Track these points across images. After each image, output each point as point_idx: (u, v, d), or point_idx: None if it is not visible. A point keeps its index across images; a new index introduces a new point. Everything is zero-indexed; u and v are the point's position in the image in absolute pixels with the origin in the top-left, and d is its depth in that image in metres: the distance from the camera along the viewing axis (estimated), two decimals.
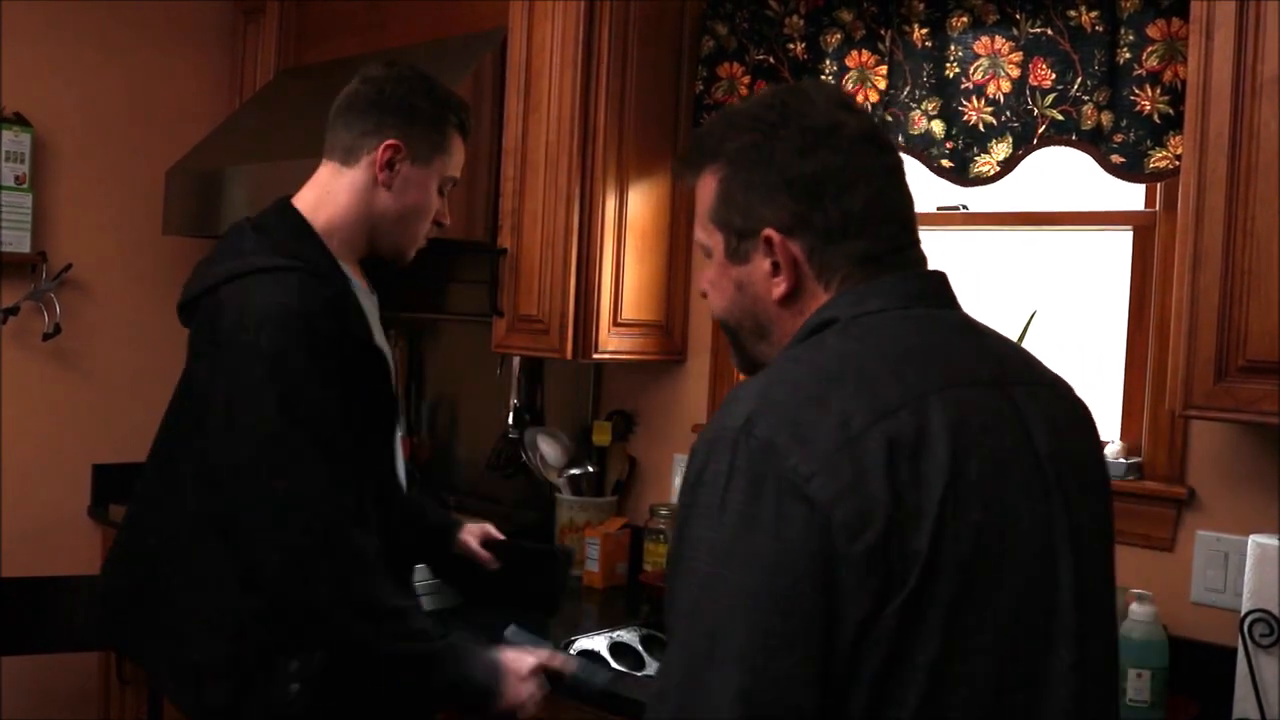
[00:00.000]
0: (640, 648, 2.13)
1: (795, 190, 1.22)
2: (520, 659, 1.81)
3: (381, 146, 1.85)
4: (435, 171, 1.91)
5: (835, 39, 2.48)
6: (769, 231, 1.22)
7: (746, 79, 2.64)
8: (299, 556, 1.69)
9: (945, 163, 2.32)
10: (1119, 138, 2.11)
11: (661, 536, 2.76)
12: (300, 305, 1.72)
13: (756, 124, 1.25)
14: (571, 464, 2.89)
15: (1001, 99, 2.24)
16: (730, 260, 1.27)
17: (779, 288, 1.24)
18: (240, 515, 1.71)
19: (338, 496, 1.73)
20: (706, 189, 1.28)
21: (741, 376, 1.39)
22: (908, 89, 2.38)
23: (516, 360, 2.99)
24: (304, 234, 1.84)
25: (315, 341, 1.72)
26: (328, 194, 1.88)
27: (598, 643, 2.11)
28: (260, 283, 1.73)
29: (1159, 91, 2.06)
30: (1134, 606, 1.95)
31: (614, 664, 2.06)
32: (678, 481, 2.88)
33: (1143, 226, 2.26)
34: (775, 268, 1.23)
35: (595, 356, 2.65)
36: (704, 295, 1.34)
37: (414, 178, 1.88)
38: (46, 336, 3.27)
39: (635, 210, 2.69)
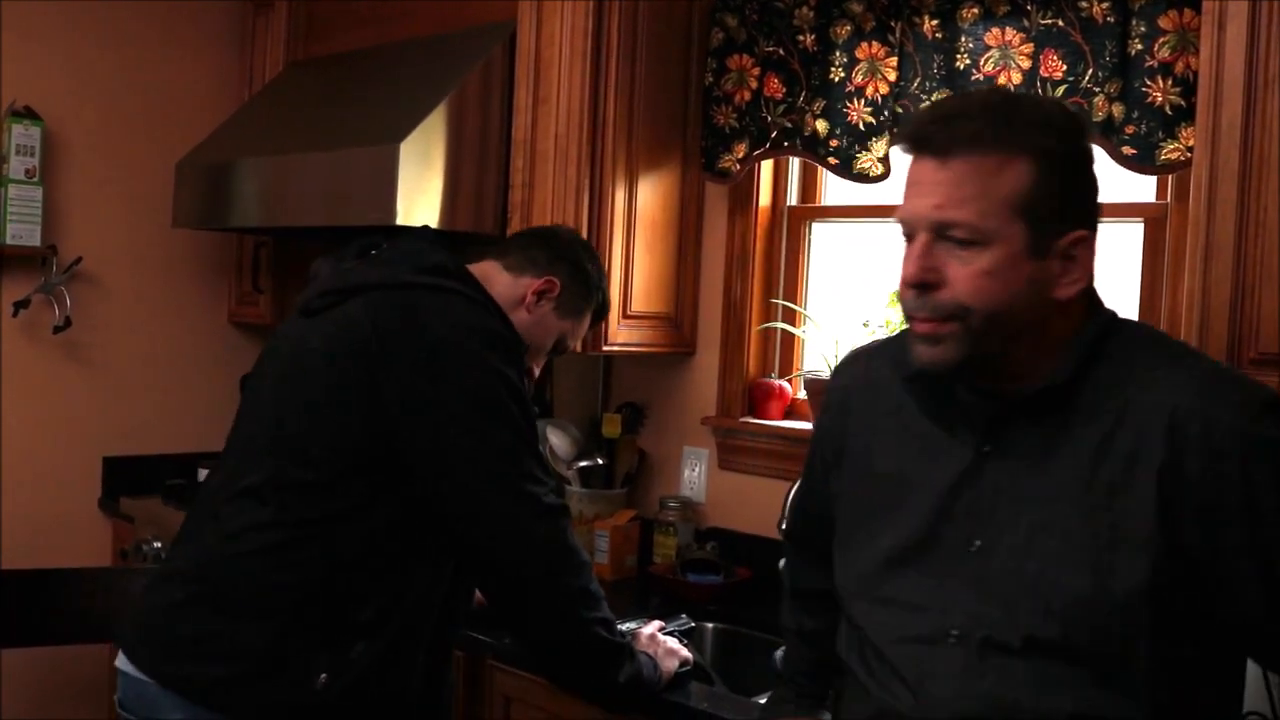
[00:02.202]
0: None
1: (1095, 201, 1.34)
2: (654, 638, 2.03)
3: (544, 278, 2.02)
4: (563, 328, 2.07)
5: (845, 30, 2.47)
6: (1084, 233, 1.32)
7: (756, 71, 2.64)
8: (550, 555, 1.83)
9: None
10: (1130, 129, 2.10)
11: (671, 529, 2.76)
12: (512, 336, 1.88)
13: (1067, 126, 1.34)
14: (581, 456, 2.89)
15: (1013, 90, 2.24)
16: (1028, 255, 1.30)
17: (1073, 286, 1.33)
18: (492, 516, 1.80)
19: (556, 499, 1.87)
20: (1011, 178, 1.29)
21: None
22: (918, 80, 2.37)
23: None
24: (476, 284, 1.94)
25: (521, 366, 1.88)
26: (488, 278, 1.99)
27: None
28: (471, 305, 1.85)
29: (1171, 83, 2.05)
30: None
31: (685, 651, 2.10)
32: (687, 474, 2.88)
33: (1154, 218, 2.25)
34: (1065, 268, 1.32)
35: (605, 349, 2.65)
36: (926, 283, 1.32)
37: (548, 320, 2.04)
38: (57, 329, 3.28)
39: (645, 202, 2.69)
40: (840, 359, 1.72)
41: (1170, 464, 1.27)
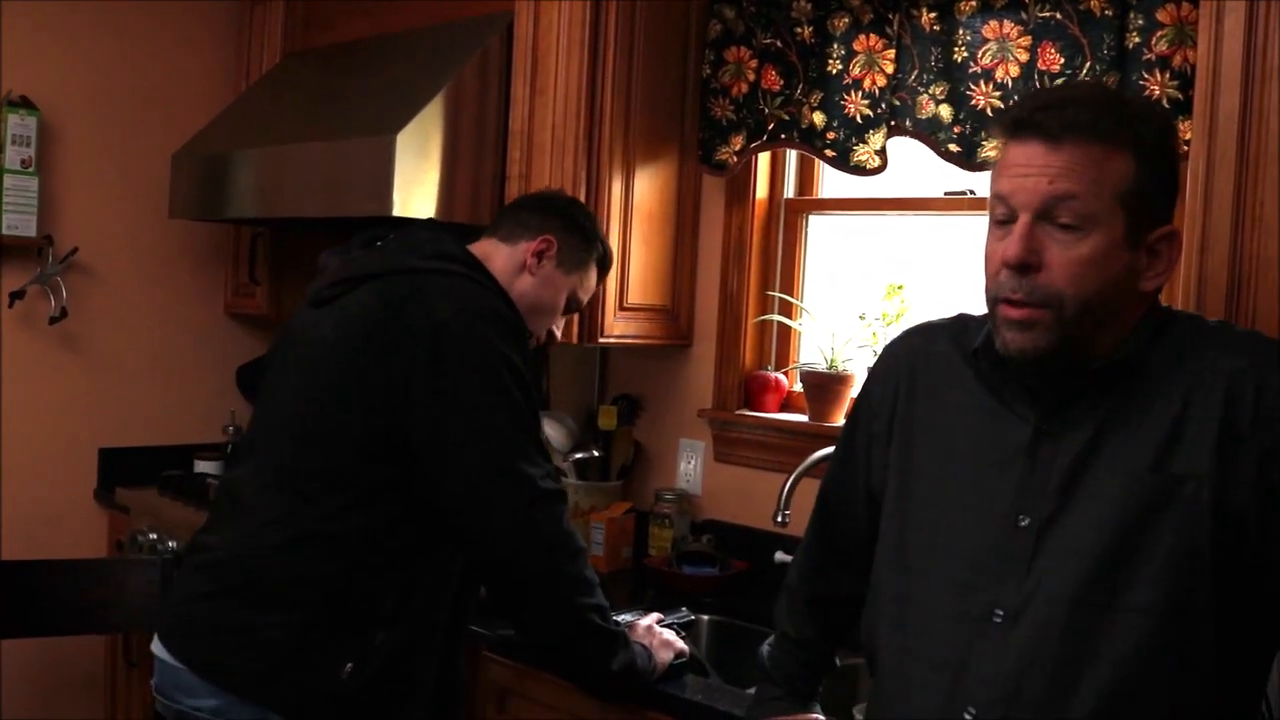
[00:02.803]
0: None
1: (1175, 199, 1.39)
2: (651, 629, 2.03)
3: (539, 239, 2.04)
4: (570, 283, 2.10)
5: (843, 23, 2.47)
6: (1171, 228, 1.37)
7: (754, 63, 2.63)
8: (546, 539, 1.85)
9: (953, 147, 2.31)
10: None
11: (667, 521, 2.77)
12: (515, 318, 1.92)
13: (1163, 125, 1.39)
14: (577, 448, 2.89)
15: (1010, 83, 2.23)
16: (1126, 245, 1.33)
17: (1157, 279, 1.37)
18: (487, 499, 1.82)
19: (553, 484, 1.89)
20: (1116, 168, 1.33)
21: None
22: (915, 73, 2.37)
23: None
24: (484, 270, 1.98)
25: (524, 349, 1.90)
26: (488, 255, 2.03)
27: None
28: (477, 289, 1.89)
29: (1168, 76, 2.05)
30: None
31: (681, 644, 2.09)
32: (683, 466, 2.88)
33: None
34: (1150, 261, 1.36)
35: (601, 340, 2.65)
36: (1028, 265, 1.33)
37: (554, 278, 2.07)
38: (53, 320, 3.27)
39: (642, 194, 2.69)
40: (896, 335, 1.69)
41: (1227, 424, 1.29)
